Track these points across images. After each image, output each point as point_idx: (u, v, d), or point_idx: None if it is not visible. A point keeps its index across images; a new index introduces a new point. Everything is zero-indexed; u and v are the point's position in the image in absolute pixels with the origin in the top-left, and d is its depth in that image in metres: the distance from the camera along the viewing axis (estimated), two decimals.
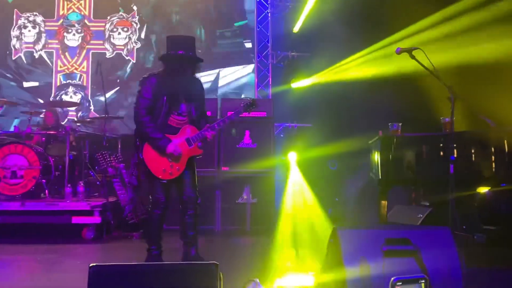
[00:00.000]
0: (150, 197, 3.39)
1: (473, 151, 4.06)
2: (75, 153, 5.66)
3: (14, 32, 7.16)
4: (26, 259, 4.02)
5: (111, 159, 5.26)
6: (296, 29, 7.20)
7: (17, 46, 7.15)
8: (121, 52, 7.22)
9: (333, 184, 6.64)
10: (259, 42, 7.31)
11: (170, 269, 1.88)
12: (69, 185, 5.13)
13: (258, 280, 2.00)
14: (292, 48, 7.22)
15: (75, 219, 4.79)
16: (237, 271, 3.09)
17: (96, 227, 4.85)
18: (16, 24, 7.16)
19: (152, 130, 3.17)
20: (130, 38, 7.25)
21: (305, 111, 6.86)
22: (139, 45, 7.24)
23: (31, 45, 7.16)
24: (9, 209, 4.82)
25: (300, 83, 7.08)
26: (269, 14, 7.29)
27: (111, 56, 7.20)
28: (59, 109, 6.20)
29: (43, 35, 7.16)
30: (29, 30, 7.17)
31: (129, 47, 7.24)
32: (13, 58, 7.12)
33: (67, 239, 4.80)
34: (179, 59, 3.23)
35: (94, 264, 1.88)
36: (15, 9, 7.18)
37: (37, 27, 7.19)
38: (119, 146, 6.05)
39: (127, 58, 7.21)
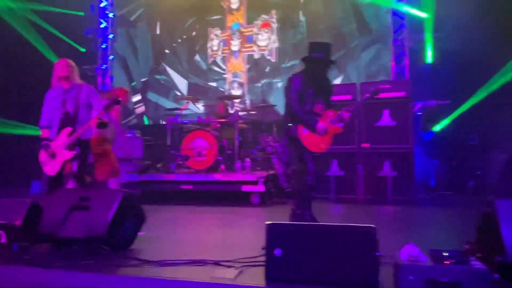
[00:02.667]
0: (301, 168, 3.63)
1: None
2: (241, 136, 6.17)
3: (209, 44, 8.04)
4: (209, 217, 4.57)
5: (269, 139, 5.62)
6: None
7: (209, 53, 8.02)
8: (263, 52, 7.58)
9: (473, 158, 6.01)
10: (394, 26, 6.89)
11: (333, 230, 1.98)
12: (238, 161, 5.65)
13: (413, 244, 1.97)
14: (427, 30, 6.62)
15: (244, 188, 5.28)
16: (387, 236, 3.07)
17: (260, 194, 5.28)
18: (209, 38, 8.05)
19: (304, 114, 3.51)
20: (270, 39, 7.54)
21: (444, 89, 6.26)
22: (277, 44, 7.49)
23: (216, 53, 7.97)
24: (197, 179, 5.55)
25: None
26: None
27: (258, 56, 7.63)
28: (228, 101, 6.80)
29: (221, 44, 7.91)
30: (215, 41, 7.97)
31: (269, 47, 7.55)
32: (208, 63, 8.01)
33: (238, 203, 5.31)
34: (319, 61, 3.55)
35: (270, 222, 2.10)
36: (209, 28, 8.05)
37: (218, 38, 7.96)
38: (274, 129, 6.40)
39: (267, 57, 7.55)
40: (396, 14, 6.87)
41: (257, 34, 7.64)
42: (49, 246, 2.65)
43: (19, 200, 2.87)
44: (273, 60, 7.52)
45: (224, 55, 7.92)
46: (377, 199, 5.33)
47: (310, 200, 3.59)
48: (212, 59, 8.01)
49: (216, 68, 7.96)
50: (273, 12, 7.55)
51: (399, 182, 5.32)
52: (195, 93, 7.60)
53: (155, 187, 5.80)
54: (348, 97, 5.68)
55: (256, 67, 7.58)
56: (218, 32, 7.96)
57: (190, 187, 5.60)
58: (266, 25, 7.59)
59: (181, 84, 8.12)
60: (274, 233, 2.06)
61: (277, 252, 2.03)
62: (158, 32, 8.36)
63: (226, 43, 7.86)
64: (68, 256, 2.41)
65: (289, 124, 3.56)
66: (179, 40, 8.20)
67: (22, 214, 2.72)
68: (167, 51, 8.26)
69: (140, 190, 5.99)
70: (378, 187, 5.37)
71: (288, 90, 3.57)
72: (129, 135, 6.98)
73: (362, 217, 4.45)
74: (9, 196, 3.02)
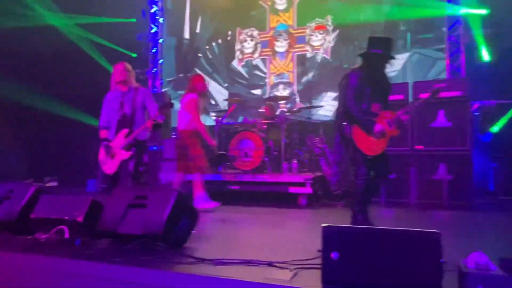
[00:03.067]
0: (355, 170, 3.53)
1: None
2: (288, 137, 6.13)
3: (237, 46, 8.10)
4: (257, 218, 4.56)
5: (317, 141, 5.54)
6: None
7: (240, 56, 8.08)
8: (318, 51, 7.47)
9: None
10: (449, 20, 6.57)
11: (394, 234, 1.90)
12: (285, 162, 5.62)
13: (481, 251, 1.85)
14: (485, 26, 6.26)
15: (291, 189, 5.23)
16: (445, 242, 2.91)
17: (308, 196, 5.21)
18: (238, 40, 8.09)
19: (361, 115, 3.36)
20: (325, 39, 7.44)
21: (504, 87, 5.88)
22: (332, 43, 7.37)
23: (251, 55, 8.00)
24: (244, 180, 5.58)
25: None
26: None
27: (311, 56, 7.52)
28: (273, 103, 6.79)
29: (258, 45, 7.93)
30: (248, 43, 8.01)
31: (324, 46, 7.43)
32: (240, 66, 8.08)
33: (285, 205, 5.27)
34: (378, 56, 3.37)
35: (326, 224, 2.05)
36: (237, 28, 8.11)
37: (255, 40, 7.98)
38: (322, 130, 6.31)
39: (323, 56, 7.42)
40: (450, 9, 6.54)
41: (310, 35, 7.58)
42: (108, 242, 2.76)
43: (79, 198, 3.01)
44: (329, 58, 7.40)
45: (264, 57, 7.89)
46: (431, 203, 5.09)
47: (364, 204, 3.47)
48: (243, 63, 7.99)
49: (256, 72, 7.94)
50: (329, 16, 7.46)
51: (455, 186, 5.05)
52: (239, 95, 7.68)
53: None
54: (400, 97, 5.48)
55: (305, 67, 7.51)
56: (255, 33, 7.92)
57: (237, 187, 5.64)
58: (321, 27, 7.52)
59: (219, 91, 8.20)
60: (330, 236, 2.01)
61: (334, 255, 1.98)
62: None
63: (268, 44, 7.83)
64: (127, 252, 2.49)
65: (343, 123, 3.45)
66: (214, 44, 8.29)
67: (83, 210, 2.85)
68: (200, 55, 8.40)
69: (189, 189, 6.13)
70: (433, 191, 5.13)
71: (344, 87, 3.41)
72: None
73: (416, 222, 4.25)
74: (68, 194, 3.17)
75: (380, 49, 3.35)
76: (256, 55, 7.96)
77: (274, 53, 7.81)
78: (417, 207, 5.08)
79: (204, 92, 4.94)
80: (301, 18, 7.67)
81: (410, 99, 5.49)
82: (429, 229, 1.90)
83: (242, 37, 8.08)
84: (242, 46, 8.07)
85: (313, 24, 7.56)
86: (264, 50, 7.91)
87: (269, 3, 7.89)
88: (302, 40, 7.63)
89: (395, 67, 6.57)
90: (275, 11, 7.85)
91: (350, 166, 3.63)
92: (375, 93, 3.39)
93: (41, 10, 8.12)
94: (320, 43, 7.48)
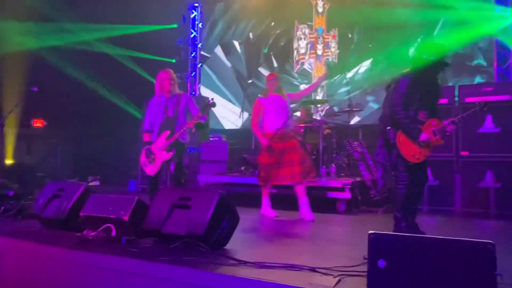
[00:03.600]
0: (396, 176, 3.46)
1: None
2: (325, 141, 6.06)
3: (295, 44, 8.00)
4: (296, 222, 4.49)
5: (356, 145, 5.44)
6: None
7: (296, 57, 8.03)
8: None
9: None
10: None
11: (445, 244, 1.83)
12: (323, 166, 5.55)
13: None
14: None
15: (330, 194, 5.16)
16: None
17: (346, 202, 5.12)
18: (296, 36, 7.99)
19: (408, 122, 3.28)
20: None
21: None
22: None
23: (303, 57, 7.98)
24: (282, 183, 5.54)
25: None
26: None
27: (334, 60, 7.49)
28: (310, 106, 6.74)
29: (309, 46, 7.88)
30: (302, 42, 7.96)
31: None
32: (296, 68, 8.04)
33: (323, 210, 5.19)
34: (430, 63, 3.27)
35: (373, 231, 2.00)
36: (295, 20, 8.00)
37: (307, 39, 7.92)
38: (360, 134, 6.19)
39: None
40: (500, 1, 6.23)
41: (330, 42, 7.59)
42: (153, 241, 2.83)
43: (126, 197, 3.10)
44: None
45: (311, 59, 7.84)
46: (477, 212, 4.88)
47: (409, 211, 3.38)
48: (298, 65, 7.93)
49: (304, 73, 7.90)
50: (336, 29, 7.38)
51: (503, 194, 4.81)
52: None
53: (240, 189, 5.93)
54: (445, 100, 5.29)
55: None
56: (307, 31, 7.85)
57: (274, 191, 5.61)
58: (334, 36, 7.57)
59: None
60: (378, 243, 1.96)
61: (381, 263, 1.93)
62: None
63: (313, 46, 7.79)
64: (171, 251, 2.54)
65: (387, 128, 3.38)
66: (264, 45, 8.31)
67: (129, 210, 2.94)
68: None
69: (226, 191, 6.19)
70: (479, 199, 4.91)
71: (393, 91, 3.35)
72: (215, 139, 7.27)
73: (462, 231, 4.09)
74: (113, 193, 3.28)
75: (433, 55, 3.27)
76: (307, 57, 7.90)
77: (317, 56, 7.76)
78: (462, 216, 4.88)
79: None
80: (329, 24, 7.65)
81: (456, 103, 5.30)
82: (475, 238, 1.81)
83: (298, 33, 7.95)
84: (299, 45, 7.97)
85: (332, 32, 7.56)
86: (311, 52, 7.85)
87: (314, 2, 7.84)
88: (328, 45, 7.63)
89: None
90: (318, 13, 7.79)
91: (392, 171, 3.58)
92: (424, 100, 3.32)
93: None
94: (334, 49, 7.52)
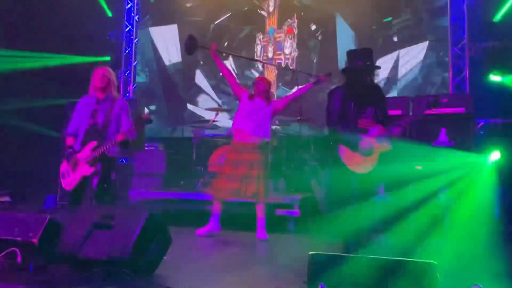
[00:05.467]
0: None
1: None
2: (274, 153, 6.16)
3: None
4: (238, 244, 4.53)
5: (306, 157, 5.59)
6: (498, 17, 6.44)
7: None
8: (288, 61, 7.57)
9: None
10: (452, 34, 6.78)
11: (388, 264, 1.94)
12: (271, 181, 5.62)
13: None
14: (493, 38, 6.48)
15: (278, 212, 5.24)
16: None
17: (296, 220, 5.22)
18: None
19: (345, 132, 3.48)
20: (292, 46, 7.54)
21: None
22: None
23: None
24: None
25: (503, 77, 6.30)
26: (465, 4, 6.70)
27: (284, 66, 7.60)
28: None
29: (262, 50, 7.94)
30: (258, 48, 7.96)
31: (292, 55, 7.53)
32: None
33: (271, 229, 5.19)
34: (359, 70, 3.53)
35: (313, 252, 2.08)
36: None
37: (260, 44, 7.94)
38: (312, 146, 6.37)
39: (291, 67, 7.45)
40: (454, 18, 6.76)
41: (284, 40, 7.65)
42: (68, 268, 2.73)
43: (35, 215, 2.97)
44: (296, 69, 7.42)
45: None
46: None
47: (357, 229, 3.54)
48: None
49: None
50: (295, 15, 7.52)
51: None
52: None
53: (178, 206, 5.86)
54: (398, 112, 5.61)
55: (285, 77, 7.52)
56: (261, 36, 7.95)
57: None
58: (290, 30, 7.61)
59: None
60: (318, 265, 2.03)
61: (322, 287, 2.00)
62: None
63: (265, 49, 7.89)
64: (89, 279, 2.47)
65: (330, 143, 3.57)
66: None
67: (39, 230, 2.82)
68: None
69: (162, 208, 6.09)
70: None
71: (327, 105, 3.59)
72: (151, 148, 7.15)
73: None
74: (22, 211, 3.13)
75: (361, 61, 3.52)
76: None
77: (267, 58, 7.83)
78: None
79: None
80: (281, 20, 7.72)
81: (411, 113, 5.63)
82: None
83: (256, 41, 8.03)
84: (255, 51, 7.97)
85: (285, 27, 7.64)
86: (263, 56, 7.87)
87: (265, 6, 7.91)
88: (279, 46, 7.68)
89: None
90: (269, 14, 7.90)
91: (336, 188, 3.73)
92: (361, 107, 3.52)
93: None
94: (289, 51, 7.56)
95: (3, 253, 2.78)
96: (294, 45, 7.57)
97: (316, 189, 5.37)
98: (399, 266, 1.94)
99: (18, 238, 2.79)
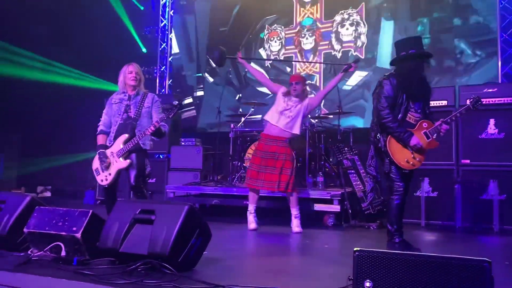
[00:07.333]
0: (391, 186, 3.58)
1: None
2: (313, 147, 6.10)
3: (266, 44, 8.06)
4: (277, 239, 4.53)
5: (346, 151, 5.51)
6: None
7: (268, 53, 8.05)
8: (351, 49, 7.41)
9: None
10: (502, 18, 6.47)
11: (437, 261, 1.87)
12: (309, 175, 5.60)
13: None
14: None
15: (317, 207, 5.21)
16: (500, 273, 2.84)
17: (335, 215, 5.18)
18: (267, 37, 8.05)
19: (396, 126, 3.46)
20: (354, 33, 7.37)
21: None
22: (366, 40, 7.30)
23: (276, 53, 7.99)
24: (262, 195, 5.55)
25: None
26: None
27: (338, 54, 7.47)
28: None
29: (283, 43, 7.92)
30: (275, 41, 8.01)
31: (357, 43, 7.38)
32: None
33: (309, 225, 5.21)
34: (411, 58, 3.49)
35: (358, 248, 2.03)
36: (266, 25, 8.10)
37: (280, 37, 7.96)
38: (351, 139, 6.28)
39: (354, 54, 7.33)
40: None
41: (338, 30, 7.52)
42: (109, 262, 2.79)
43: (78, 210, 3.05)
44: (362, 57, 7.28)
45: (287, 55, 7.87)
46: (480, 227, 5.00)
47: (401, 224, 3.50)
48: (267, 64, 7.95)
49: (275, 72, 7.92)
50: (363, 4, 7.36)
51: (508, 208, 4.94)
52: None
53: (215, 201, 5.92)
54: (443, 103, 5.44)
55: (333, 68, 7.39)
56: (279, 29, 7.92)
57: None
58: (349, 19, 7.46)
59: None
60: (363, 261, 1.99)
61: (367, 284, 1.96)
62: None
63: (293, 41, 7.81)
64: (130, 274, 2.51)
65: (377, 135, 3.52)
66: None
67: (82, 225, 2.89)
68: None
69: (199, 204, 6.17)
70: (481, 213, 5.03)
71: (378, 96, 3.52)
72: (188, 143, 7.23)
73: (462, 248, 4.18)
74: (64, 206, 3.22)
75: (411, 49, 3.46)
76: (281, 53, 7.92)
77: (301, 51, 7.76)
78: (463, 231, 4.99)
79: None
80: (329, 11, 7.62)
81: (457, 105, 5.45)
82: (477, 257, 1.86)
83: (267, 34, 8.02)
84: (270, 44, 8.03)
85: (343, 16, 7.50)
86: (288, 48, 7.87)
87: None
88: (327, 36, 7.58)
89: None
90: (303, 4, 7.82)
91: (386, 182, 3.70)
92: (412, 101, 3.49)
93: None
94: (350, 38, 7.41)
95: (48, 247, 2.88)
96: (360, 31, 7.36)
97: (356, 184, 5.29)
98: (450, 263, 1.87)
99: (63, 233, 2.88)
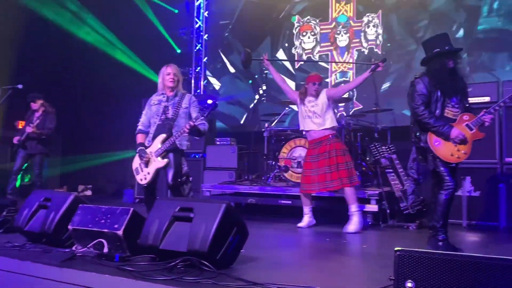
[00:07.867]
0: (439, 183, 3.53)
1: None
2: (349, 145, 6.03)
3: (298, 40, 8.07)
4: (313, 238, 4.52)
5: (384, 150, 5.41)
6: None
7: (299, 52, 8.06)
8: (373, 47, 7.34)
9: None
10: None
11: (484, 262, 1.82)
12: None
13: None
14: None
15: None
16: None
17: (373, 215, 5.11)
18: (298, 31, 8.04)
19: (434, 120, 3.45)
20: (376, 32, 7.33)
21: None
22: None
23: (310, 50, 7.97)
24: (297, 194, 5.55)
25: None
26: None
27: (366, 51, 7.40)
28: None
29: (318, 39, 7.88)
30: (308, 37, 7.99)
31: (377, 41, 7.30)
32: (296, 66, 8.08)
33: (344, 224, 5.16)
34: (437, 56, 3.51)
35: (400, 248, 2.01)
36: (297, 16, 8.11)
37: (315, 32, 7.93)
38: (389, 137, 6.18)
39: (375, 50, 7.27)
40: None
41: (365, 29, 7.47)
42: (150, 258, 2.87)
43: (119, 208, 3.15)
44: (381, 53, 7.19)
45: (323, 53, 7.83)
46: None
47: (447, 223, 3.46)
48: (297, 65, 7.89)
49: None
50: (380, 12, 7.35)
51: None
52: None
53: (250, 200, 5.96)
54: (486, 99, 5.27)
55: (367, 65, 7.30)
56: (313, 23, 7.86)
57: (288, 202, 5.64)
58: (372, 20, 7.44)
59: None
60: (405, 262, 1.96)
61: (409, 284, 1.94)
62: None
63: (329, 37, 7.75)
64: (170, 270, 2.58)
65: (417, 134, 3.52)
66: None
67: (123, 223, 2.98)
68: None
69: (234, 202, 6.22)
70: None
71: (412, 96, 3.55)
72: (223, 142, 7.31)
73: (508, 249, 4.04)
74: (105, 204, 3.32)
75: (440, 47, 3.48)
76: (316, 51, 7.88)
77: (337, 47, 7.70)
78: (507, 232, 4.82)
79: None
80: (360, 9, 7.57)
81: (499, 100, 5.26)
82: None
83: (298, 28, 7.99)
84: (302, 40, 8.01)
85: (367, 18, 7.46)
86: (324, 45, 7.81)
87: None
88: (358, 34, 7.51)
89: None
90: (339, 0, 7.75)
91: (433, 179, 3.66)
92: (448, 97, 3.49)
93: None
94: (373, 37, 7.38)
95: (91, 244, 2.99)
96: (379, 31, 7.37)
97: (395, 183, 5.20)
98: (495, 264, 1.82)
99: (105, 230, 2.98)
